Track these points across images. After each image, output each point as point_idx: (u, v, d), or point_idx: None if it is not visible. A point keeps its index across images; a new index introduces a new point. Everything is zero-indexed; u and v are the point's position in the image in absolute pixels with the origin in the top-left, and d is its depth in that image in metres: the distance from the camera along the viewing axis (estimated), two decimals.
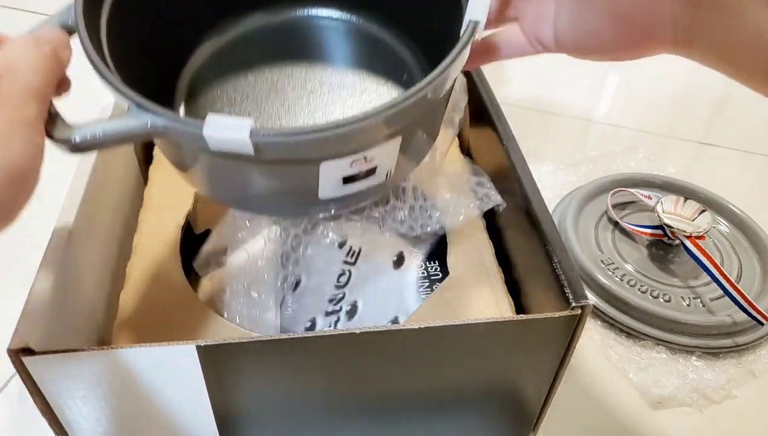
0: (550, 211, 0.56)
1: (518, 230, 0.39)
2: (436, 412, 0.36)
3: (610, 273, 0.49)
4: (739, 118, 0.73)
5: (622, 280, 0.49)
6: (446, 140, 0.50)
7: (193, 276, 0.41)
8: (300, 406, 0.34)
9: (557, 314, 0.30)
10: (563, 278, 0.31)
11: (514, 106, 0.70)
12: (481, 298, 0.38)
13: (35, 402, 0.29)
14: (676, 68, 0.81)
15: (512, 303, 0.38)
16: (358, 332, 0.29)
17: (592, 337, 0.47)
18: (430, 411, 0.36)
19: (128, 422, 0.32)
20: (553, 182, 0.60)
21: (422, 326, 0.30)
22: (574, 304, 0.30)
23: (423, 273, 0.45)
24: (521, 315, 0.33)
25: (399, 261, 0.46)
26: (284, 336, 0.30)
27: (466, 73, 0.48)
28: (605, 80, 0.78)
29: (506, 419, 0.38)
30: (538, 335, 0.31)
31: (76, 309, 0.33)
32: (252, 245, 0.47)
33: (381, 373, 0.33)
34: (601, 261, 0.51)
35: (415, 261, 0.46)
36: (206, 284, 0.45)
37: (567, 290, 0.31)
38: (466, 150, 0.50)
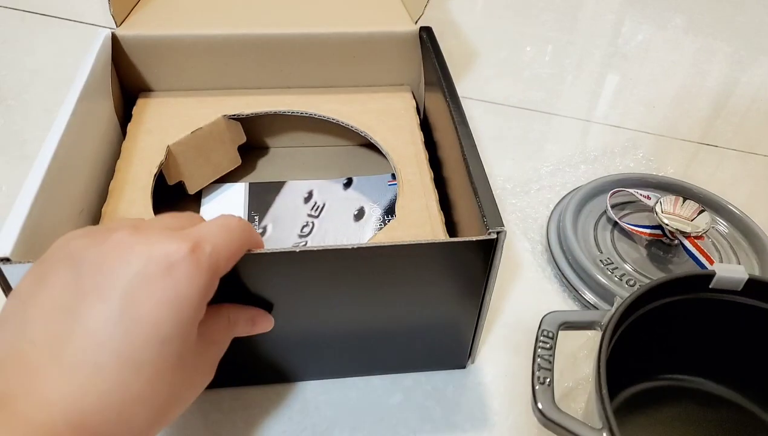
0: (550, 211, 0.56)
1: (457, 176, 0.43)
2: (385, 344, 0.40)
3: (609, 273, 0.50)
4: (738, 119, 0.73)
5: (621, 279, 0.49)
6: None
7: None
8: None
9: (474, 238, 0.34)
10: (483, 208, 0.36)
11: (514, 107, 0.70)
12: (421, 236, 0.42)
13: None
14: (676, 68, 0.81)
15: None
16: (297, 250, 0.32)
17: (591, 335, 0.47)
18: (379, 343, 0.40)
19: None
20: (553, 182, 0.60)
21: (355, 247, 0.32)
22: (490, 229, 0.34)
23: (380, 225, 0.49)
24: (441, 238, 0.38)
25: (359, 215, 0.51)
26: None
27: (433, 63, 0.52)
28: (605, 80, 0.78)
29: (446, 349, 0.42)
30: (460, 258, 0.35)
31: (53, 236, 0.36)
32: (224, 195, 0.52)
33: (326, 300, 0.36)
34: (600, 261, 0.51)
35: (374, 215, 0.50)
36: None
37: (485, 218, 0.35)
38: (422, 112, 0.55)
